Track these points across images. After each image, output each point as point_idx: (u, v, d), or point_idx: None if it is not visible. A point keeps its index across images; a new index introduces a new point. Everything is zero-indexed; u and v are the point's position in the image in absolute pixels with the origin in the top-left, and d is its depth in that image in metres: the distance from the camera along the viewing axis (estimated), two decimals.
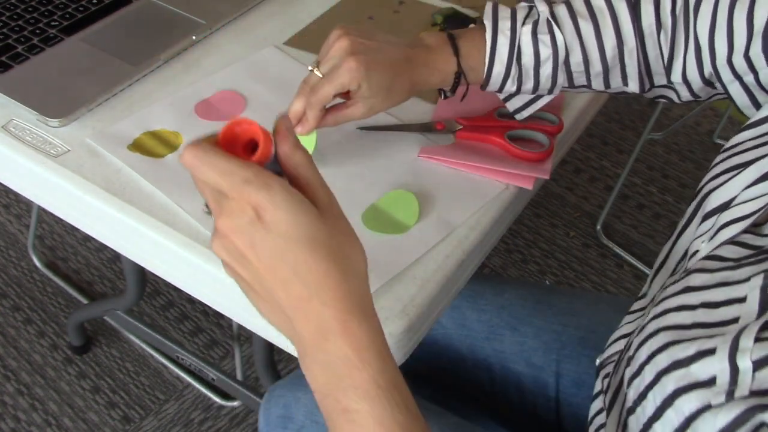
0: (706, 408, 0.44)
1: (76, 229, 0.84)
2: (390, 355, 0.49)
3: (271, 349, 1.23)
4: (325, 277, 0.46)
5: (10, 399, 1.48)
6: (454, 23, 0.97)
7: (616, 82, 0.76)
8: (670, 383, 0.46)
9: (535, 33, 0.73)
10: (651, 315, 0.53)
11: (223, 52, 0.92)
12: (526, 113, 0.79)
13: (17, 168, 0.79)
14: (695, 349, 0.46)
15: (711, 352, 0.45)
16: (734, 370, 0.43)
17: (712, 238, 0.56)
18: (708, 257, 0.55)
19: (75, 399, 1.49)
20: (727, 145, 0.62)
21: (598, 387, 0.66)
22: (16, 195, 1.79)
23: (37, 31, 0.89)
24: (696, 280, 0.53)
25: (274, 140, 0.49)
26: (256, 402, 1.36)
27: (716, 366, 0.44)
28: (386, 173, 0.78)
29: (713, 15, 0.68)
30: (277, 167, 0.49)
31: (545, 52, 0.73)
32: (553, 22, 0.73)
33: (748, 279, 0.49)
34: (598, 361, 0.68)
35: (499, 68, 0.74)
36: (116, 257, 1.72)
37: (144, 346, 1.58)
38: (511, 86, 0.75)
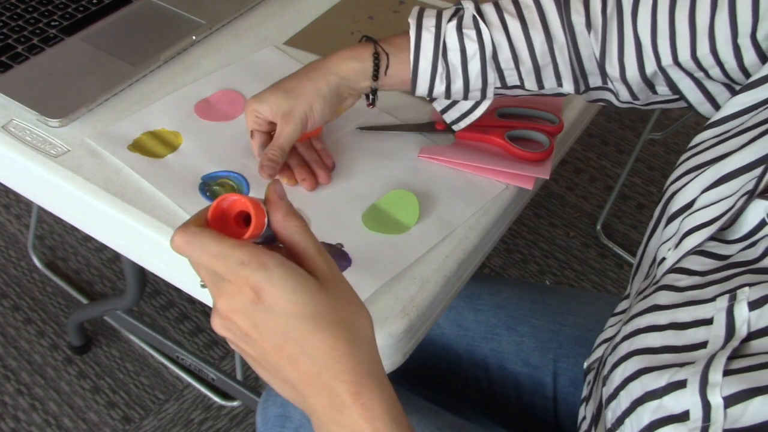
0: None
1: (76, 229, 0.84)
2: (405, 420, 0.48)
3: None
4: (332, 351, 0.46)
5: (10, 399, 1.48)
6: None
7: (550, 82, 0.74)
8: (645, 414, 0.47)
9: (460, 28, 0.72)
10: (622, 334, 0.53)
11: (223, 52, 0.92)
12: (463, 124, 0.78)
13: (17, 168, 0.79)
14: (666, 379, 0.46)
15: (682, 384, 0.45)
16: (706, 406, 0.44)
17: (677, 245, 0.56)
18: (675, 270, 0.55)
19: (75, 399, 1.49)
20: (691, 144, 0.62)
21: (584, 392, 0.66)
22: (16, 195, 1.79)
23: (37, 31, 0.89)
24: (663, 298, 0.53)
25: (266, 209, 0.47)
26: (255, 402, 1.36)
27: (688, 400, 0.44)
28: (386, 173, 0.78)
29: (653, 16, 0.67)
30: (272, 233, 0.48)
31: (471, 47, 0.72)
32: (479, 18, 0.72)
33: (713, 299, 0.49)
34: (585, 365, 0.68)
35: (425, 65, 0.73)
36: (116, 257, 1.72)
37: (144, 346, 1.58)
38: (440, 85, 0.74)
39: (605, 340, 0.66)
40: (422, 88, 0.74)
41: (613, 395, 0.51)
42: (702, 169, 0.58)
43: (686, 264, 0.54)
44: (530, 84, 0.74)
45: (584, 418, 0.64)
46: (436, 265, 0.71)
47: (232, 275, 0.45)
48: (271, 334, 0.45)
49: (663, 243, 0.59)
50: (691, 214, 0.56)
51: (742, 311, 0.47)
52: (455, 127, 0.79)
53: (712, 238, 0.55)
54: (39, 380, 1.51)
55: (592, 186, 2.01)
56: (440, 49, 0.72)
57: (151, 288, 1.67)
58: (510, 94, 0.77)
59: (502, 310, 0.88)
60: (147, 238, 0.72)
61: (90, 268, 1.72)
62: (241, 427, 1.47)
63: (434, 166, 0.80)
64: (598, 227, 1.87)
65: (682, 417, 0.45)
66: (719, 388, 0.43)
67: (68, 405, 1.48)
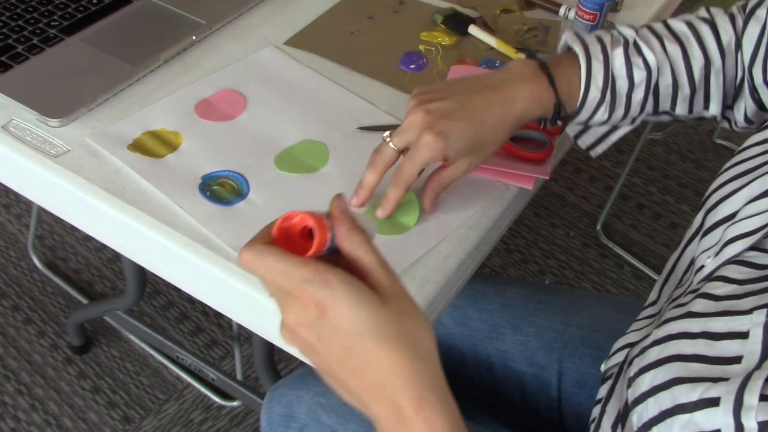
0: None
1: (76, 229, 0.84)
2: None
3: (271, 349, 1.23)
4: (394, 366, 0.47)
5: (10, 399, 1.48)
6: (454, 23, 0.97)
7: (698, 107, 0.75)
8: (675, 427, 0.47)
9: (627, 56, 0.71)
10: (653, 338, 0.53)
11: (223, 52, 0.92)
12: (600, 149, 0.79)
13: (17, 168, 0.79)
14: (699, 394, 0.46)
15: (715, 402, 0.45)
16: (739, 428, 0.44)
17: (717, 253, 0.56)
18: (713, 278, 0.55)
19: (75, 399, 1.49)
20: (740, 147, 0.62)
21: (601, 393, 0.65)
22: (16, 195, 1.79)
23: (37, 31, 0.89)
24: (699, 305, 0.53)
25: (330, 224, 0.49)
26: (256, 402, 1.36)
27: (720, 420, 0.44)
28: (386, 173, 0.78)
29: None
30: (335, 246, 0.49)
31: (639, 75, 0.71)
32: (642, 44, 0.72)
33: (750, 311, 0.49)
34: (603, 367, 0.68)
35: (594, 93, 0.71)
36: (116, 257, 1.72)
37: (144, 346, 1.58)
38: (603, 114, 0.73)
39: (627, 345, 0.66)
40: (582, 117, 0.73)
41: (640, 400, 0.51)
42: (748, 177, 0.58)
43: (725, 272, 0.54)
44: (681, 109, 0.75)
45: (594, 419, 0.64)
46: (436, 265, 0.70)
47: (297, 292, 0.46)
48: (335, 348, 0.47)
49: (702, 252, 0.59)
50: (734, 223, 0.56)
51: None
52: (592, 153, 0.79)
53: (753, 247, 0.54)
54: (39, 380, 1.51)
55: (592, 186, 2.00)
56: (610, 78, 0.71)
57: (151, 288, 1.67)
58: (652, 120, 0.77)
59: (507, 310, 0.88)
60: (147, 238, 0.72)
61: (90, 268, 1.72)
62: (241, 427, 1.47)
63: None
64: (598, 227, 1.87)
65: None
66: (755, 412, 0.43)
67: (68, 405, 1.48)
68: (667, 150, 2.12)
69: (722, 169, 0.62)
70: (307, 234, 0.49)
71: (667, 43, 0.72)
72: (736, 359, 0.47)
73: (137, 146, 0.78)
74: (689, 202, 1.98)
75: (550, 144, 0.81)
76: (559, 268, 1.80)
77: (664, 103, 0.74)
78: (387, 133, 0.70)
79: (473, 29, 0.97)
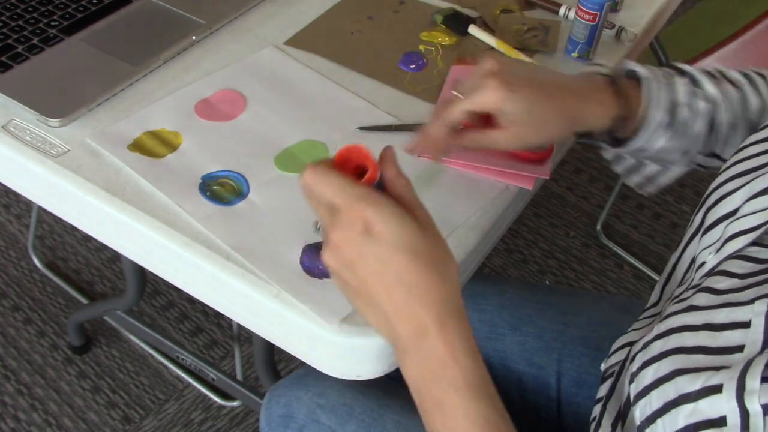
0: None
1: (76, 229, 0.84)
2: (479, 356, 0.53)
3: (271, 349, 1.23)
4: (425, 283, 0.52)
5: (10, 399, 1.48)
6: (454, 23, 0.97)
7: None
8: (680, 417, 0.47)
9: (689, 86, 0.71)
10: (655, 332, 0.53)
11: (223, 52, 0.92)
12: (651, 188, 0.78)
13: (17, 168, 0.79)
14: (701, 383, 0.46)
15: (717, 389, 0.45)
16: (744, 413, 0.44)
17: (718, 250, 0.56)
18: (714, 272, 0.55)
19: (75, 399, 1.49)
20: (740, 146, 0.62)
21: (602, 392, 0.65)
22: (16, 195, 1.79)
23: (37, 31, 0.89)
24: (701, 299, 0.53)
25: (381, 167, 0.54)
26: (256, 402, 1.36)
27: (724, 406, 0.45)
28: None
29: None
30: (380, 191, 0.54)
31: (702, 105, 0.71)
32: (702, 80, 0.72)
33: (751, 302, 0.49)
34: (603, 367, 0.68)
35: (654, 114, 0.70)
36: (116, 257, 1.72)
37: (144, 346, 1.58)
38: (661, 140, 0.71)
39: (627, 344, 0.66)
40: (641, 140, 0.71)
41: (643, 393, 0.51)
42: (749, 176, 0.58)
43: (726, 267, 0.54)
44: (729, 153, 0.73)
45: (594, 418, 0.63)
46: None
47: (348, 207, 0.52)
48: (373, 261, 0.51)
49: (703, 249, 0.59)
50: (735, 220, 0.56)
51: None
52: (641, 191, 0.79)
53: (754, 243, 0.55)
54: (39, 380, 1.51)
55: (592, 186, 2.00)
56: (672, 104, 0.70)
57: (151, 288, 1.67)
58: (703, 164, 0.76)
59: (506, 310, 0.87)
60: (147, 238, 0.72)
61: (90, 268, 1.72)
62: (241, 427, 1.47)
63: None
64: (598, 227, 1.87)
65: (718, 422, 0.45)
66: (757, 396, 0.43)
67: (68, 405, 1.48)
68: None
69: (722, 168, 0.62)
70: (358, 175, 0.54)
71: (724, 83, 0.72)
72: (739, 348, 0.48)
73: (137, 146, 0.78)
74: (689, 201, 1.98)
75: (550, 144, 0.81)
76: (559, 268, 1.80)
77: (719, 143, 0.73)
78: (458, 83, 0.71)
79: (473, 29, 0.97)
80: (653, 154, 0.74)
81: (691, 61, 1.64)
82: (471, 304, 0.89)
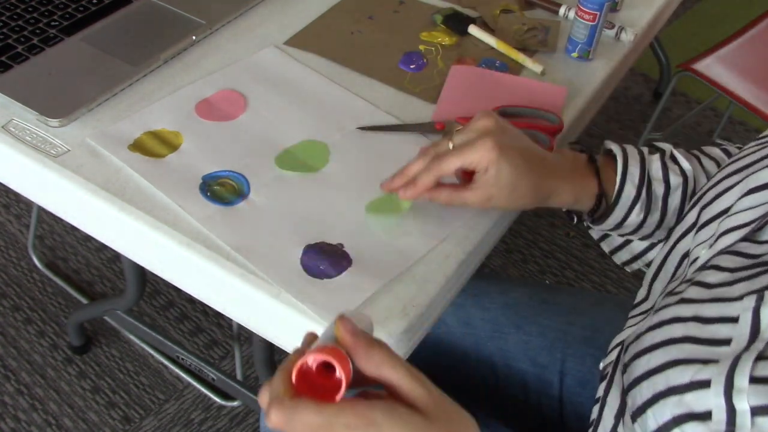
0: None
1: (76, 229, 0.84)
2: None
3: (271, 349, 1.23)
4: None
5: (10, 399, 1.48)
6: (454, 23, 0.97)
7: None
8: (667, 408, 0.47)
9: (664, 161, 0.72)
10: (647, 324, 0.54)
11: (223, 52, 0.92)
12: (636, 265, 0.80)
13: (17, 168, 0.79)
14: (690, 376, 0.47)
15: (705, 384, 0.46)
16: (731, 410, 0.44)
17: (711, 245, 0.57)
18: (706, 267, 0.55)
19: (75, 399, 1.49)
20: (742, 147, 0.63)
21: (600, 392, 0.66)
22: (16, 195, 1.79)
23: (37, 31, 0.89)
24: (692, 292, 0.53)
25: (345, 351, 0.47)
26: (256, 402, 1.36)
27: (711, 401, 0.45)
28: (386, 173, 0.78)
29: None
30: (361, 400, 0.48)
31: (675, 180, 0.72)
32: (678, 155, 0.73)
33: (741, 298, 0.50)
34: (602, 365, 0.68)
35: (630, 189, 0.71)
36: (116, 257, 1.72)
37: (144, 346, 1.58)
38: (637, 215, 0.72)
39: (622, 342, 0.66)
40: (615, 218, 0.72)
41: (634, 384, 0.51)
42: (743, 174, 0.59)
43: (718, 262, 0.55)
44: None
45: (593, 422, 0.64)
46: (436, 265, 0.70)
47: None
48: None
49: (698, 244, 0.60)
50: (729, 216, 0.57)
51: None
52: (628, 268, 0.80)
53: (745, 239, 0.55)
54: (39, 380, 1.51)
55: None
56: (646, 178, 0.71)
57: (151, 288, 1.67)
58: None
59: (510, 309, 0.88)
60: (147, 238, 0.72)
61: (90, 268, 1.72)
62: (241, 427, 1.47)
63: None
64: None
65: (704, 416, 0.45)
66: (746, 395, 0.44)
67: (68, 405, 1.48)
68: None
69: (720, 167, 0.63)
70: (323, 367, 0.47)
71: (703, 159, 0.74)
72: (726, 341, 0.48)
73: (138, 146, 0.78)
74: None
75: (550, 144, 0.81)
76: (560, 268, 1.80)
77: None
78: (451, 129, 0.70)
79: (473, 29, 0.97)
80: (634, 230, 0.75)
81: (691, 61, 1.64)
82: (475, 303, 0.89)
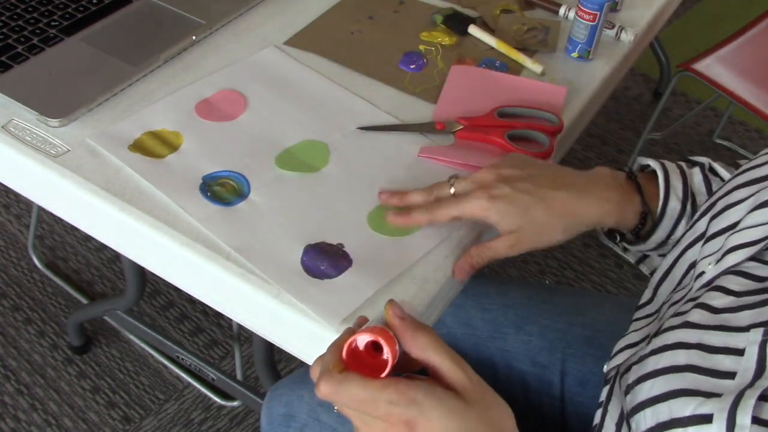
0: None
1: (76, 229, 0.84)
2: None
3: (271, 349, 1.23)
4: None
5: (10, 399, 1.48)
6: (454, 23, 0.97)
7: None
8: None
9: (705, 174, 0.71)
10: (651, 347, 0.54)
11: (223, 52, 0.92)
12: None
13: (17, 168, 0.79)
14: (692, 410, 0.47)
15: (708, 419, 0.46)
16: None
17: (718, 261, 0.56)
18: (712, 287, 0.55)
19: (75, 399, 1.49)
20: (758, 155, 0.62)
21: (603, 395, 0.66)
22: (16, 195, 1.79)
23: (37, 31, 0.89)
24: (697, 316, 0.53)
25: (393, 333, 0.50)
26: (256, 402, 1.36)
27: None
28: (386, 173, 0.78)
29: None
30: (403, 351, 0.51)
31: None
32: (717, 167, 0.72)
33: (747, 329, 0.49)
34: (606, 368, 0.68)
35: (674, 204, 0.70)
36: (116, 257, 1.72)
37: (144, 346, 1.58)
38: (682, 231, 0.71)
39: (628, 346, 0.66)
40: (661, 233, 0.71)
41: (638, 409, 0.51)
42: (756, 187, 0.58)
43: (724, 282, 0.54)
44: None
45: (596, 426, 0.63)
46: (436, 265, 0.70)
47: (384, 415, 0.48)
48: None
49: (704, 257, 0.59)
50: (736, 231, 0.56)
51: None
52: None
53: (753, 258, 0.55)
54: (39, 380, 1.51)
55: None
56: (689, 192, 0.70)
57: (151, 288, 1.67)
58: None
59: (510, 309, 0.88)
60: (147, 238, 0.72)
61: (90, 268, 1.72)
62: (241, 427, 1.47)
63: (434, 166, 0.80)
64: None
65: None
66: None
67: (68, 405, 1.48)
68: (667, 150, 2.12)
69: (732, 175, 0.62)
70: (374, 349, 0.50)
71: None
72: (730, 374, 0.48)
73: (138, 147, 0.78)
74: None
75: (550, 144, 0.81)
76: (559, 268, 1.80)
77: None
78: (454, 175, 0.70)
79: (473, 29, 0.97)
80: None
81: (691, 61, 1.64)
82: (475, 304, 0.89)
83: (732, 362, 0.48)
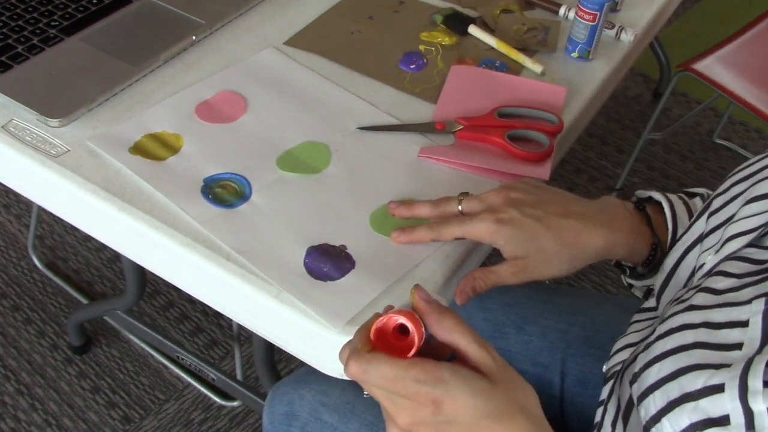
0: None
1: (76, 229, 0.84)
2: None
3: (271, 349, 1.23)
4: None
5: (10, 399, 1.48)
6: (454, 23, 0.97)
7: None
8: (684, 416, 0.47)
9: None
10: (657, 333, 0.54)
11: (223, 52, 0.91)
12: None
13: (17, 168, 0.79)
14: (702, 382, 0.47)
15: (719, 388, 0.46)
16: (748, 412, 0.44)
17: (717, 251, 0.57)
18: (713, 273, 0.55)
19: (75, 399, 1.49)
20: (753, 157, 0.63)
21: (604, 394, 0.66)
22: (16, 195, 1.79)
23: (37, 31, 0.89)
24: (700, 299, 0.53)
25: (419, 316, 0.51)
26: (256, 402, 1.36)
27: (727, 405, 0.45)
28: (386, 173, 0.78)
29: None
30: (429, 334, 0.52)
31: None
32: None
33: (749, 301, 0.50)
34: (605, 368, 0.68)
35: (685, 235, 0.68)
36: (116, 257, 1.72)
37: (144, 346, 1.58)
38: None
39: (627, 345, 0.66)
40: (672, 258, 0.69)
41: (646, 393, 0.51)
42: (750, 181, 0.58)
43: (725, 267, 0.55)
44: None
45: (597, 423, 0.64)
46: (436, 265, 0.70)
47: (411, 393, 0.48)
48: None
49: (704, 251, 0.59)
50: (734, 222, 0.57)
51: None
52: None
53: (751, 244, 0.55)
54: (39, 380, 1.51)
55: (592, 186, 2.00)
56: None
57: (151, 288, 1.67)
58: None
59: (511, 309, 0.88)
60: (147, 238, 0.72)
61: (90, 268, 1.72)
62: (241, 427, 1.47)
63: (434, 166, 0.80)
64: None
65: (722, 421, 0.45)
66: (761, 396, 0.44)
67: (68, 405, 1.48)
68: (667, 150, 2.12)
69: (729, 174, 0.63)
70: (399, 330, 0.52)
71: None
72: (737, 346, 0.48)
73: (138, 149, 0.78)
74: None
75: (550, 144, 0.81)
76: None
77: None
78: (463, 192, 0.70)
79: (473, 29, 0.97)
80: None
81: (691, 61, 1.64)
82: (476, 303, 0.89)
83: (738, 334, 0.49)
